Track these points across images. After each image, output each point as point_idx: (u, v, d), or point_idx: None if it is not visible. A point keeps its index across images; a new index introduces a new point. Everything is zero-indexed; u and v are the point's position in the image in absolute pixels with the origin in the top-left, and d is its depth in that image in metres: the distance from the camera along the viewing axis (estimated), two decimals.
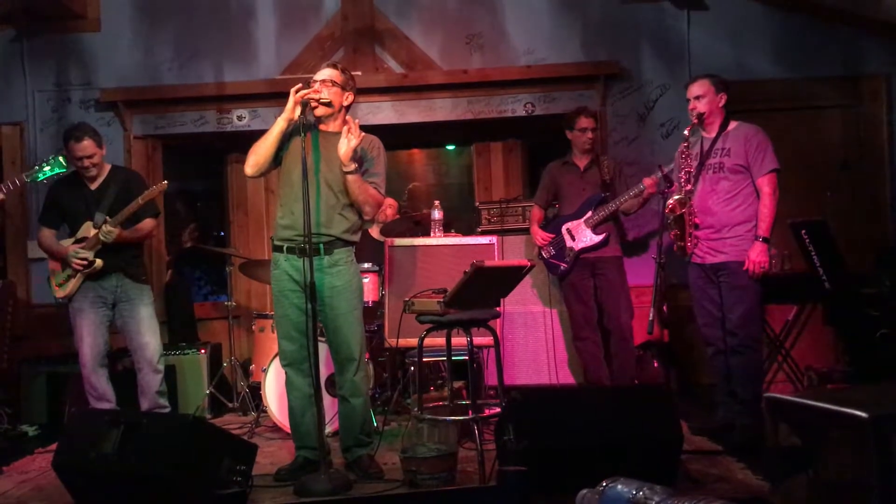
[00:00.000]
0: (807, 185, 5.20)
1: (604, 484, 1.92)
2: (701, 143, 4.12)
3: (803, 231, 4.30)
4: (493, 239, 4.60)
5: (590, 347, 4.74)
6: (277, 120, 3.54)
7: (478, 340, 3.82)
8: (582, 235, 4.70)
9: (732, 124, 4.06)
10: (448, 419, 3.64)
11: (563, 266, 4.75)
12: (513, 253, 5.10)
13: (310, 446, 3.58)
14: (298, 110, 3.47)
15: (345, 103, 3.65)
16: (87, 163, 4.19)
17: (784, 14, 5.38)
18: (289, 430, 3.84)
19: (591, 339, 4.75)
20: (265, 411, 4.52)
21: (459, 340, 3.69)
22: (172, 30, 5.65)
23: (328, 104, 3.56)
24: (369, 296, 4.65)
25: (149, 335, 4.27)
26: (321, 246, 3.52)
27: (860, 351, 4.39)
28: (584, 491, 1.95)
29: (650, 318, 3.90)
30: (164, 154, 5.89)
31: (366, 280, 4.55)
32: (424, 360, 4.12)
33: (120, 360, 4.87)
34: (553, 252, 4.80)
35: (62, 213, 4.31)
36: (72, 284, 4.19)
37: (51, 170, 4.15)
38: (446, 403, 4.00)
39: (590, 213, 4.70)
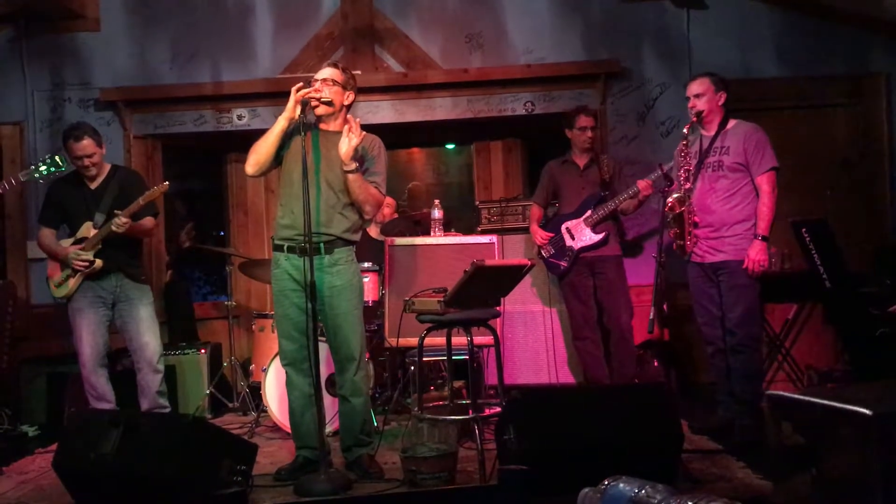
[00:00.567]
0: (807, 183, 5.20)
1: (605, 483, 1.91)
2: (700, 142, 4.11)
3: (804, 230, 4.30)
4: (493, 238, 4.59)
5: (589, 347, 4.74)
6: (278, 119, 3.53)
7: (478, 340, 3.81)
8: (581, 234, 4.70)
9: (731, 122, 4.06)
10: (448, 419, 3.63)
11: (563, 265, 4.75)
12: (513, 252, 5.09)
13: (310, 446, 3.57)
14: (299, 109, 3.47)
15: (345, 102, 3.64)
16: (86, 162, 4.19)
17: (785, 12, 5.39)
18: (289, 430, 3.84)
19: (591, 339, 4.74)
20: (265, 411, 4.52)
21: (459, 340, 3.68)
22: (171, 29, 5.65)
23: (329, 103, 3.55)
24: (369, 295, 4.65)
25: (148, 335, 4.27)
26: (321, 245, 3.52)
27: (860, 350, 4.39)
28: (586, 490, 1.94)
29: (650, 318, 3.89)
30: (163, 154, 5.89)
31: (366, 279, 4.54)
32: (424, 359, 4.12)
33: (120, 361, 4.87)
34: (552, 251, 4.80)
35: (62, 213, 4.30)
36: (71, 284, 4.18)
37: (47, 169, 4.14)
38: (446, 403, 3.99)
39: (589, 213, 4.69)
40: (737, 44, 5.39)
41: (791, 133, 5.16)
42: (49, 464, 3.39)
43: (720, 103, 4.05)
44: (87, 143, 4.17)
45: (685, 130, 4.09)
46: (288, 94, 3.48)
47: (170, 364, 4.96)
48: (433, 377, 4.99)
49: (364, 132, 3.52)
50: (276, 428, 4.51)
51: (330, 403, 3.90)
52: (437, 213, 4.74)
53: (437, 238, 4.64)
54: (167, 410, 4.37)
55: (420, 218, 5.11)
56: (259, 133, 3.66)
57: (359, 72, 5.16)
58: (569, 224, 4.75)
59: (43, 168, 4.14)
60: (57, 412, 4.96)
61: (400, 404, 4.77)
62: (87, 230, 4.19)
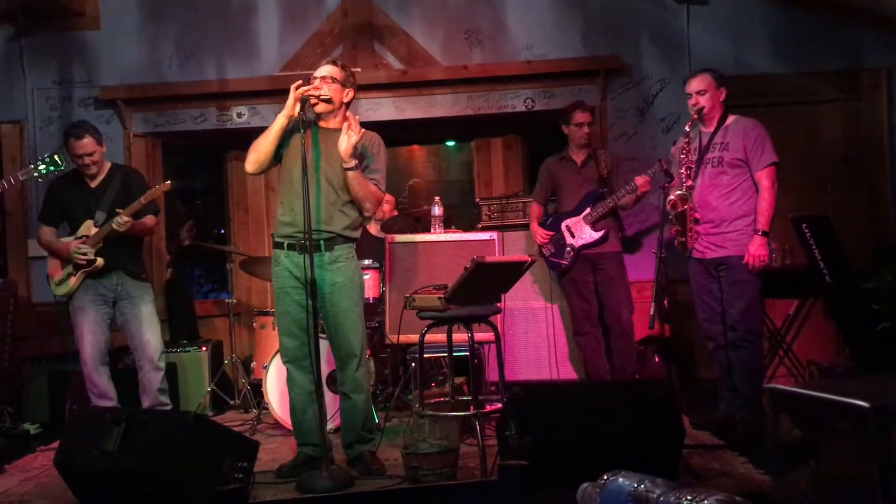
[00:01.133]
0: (808, 179, 5.20)
1: (605, 477, 1.92)
2: (700, 138, 4.11)
3: (804, 225, 4.29)
4: (494, 235, 4.59)
5: (590, 342, 4.75)
6: (277, 117, 3.53)
7: (479, 336, 3.81)
8: (581, 232, 4.70)
9: (731, 118, 4.06)
10: (449, 415, 3.64)
11: (564, 263, 4.75)
12: (513, 248, 5.10)
13: (311, 443, 3.58)
14: (298, 107, 3.47)
15: (345, 100, 3.64)
16: (87, 160, 4.19)
17: (783, 8, 5.37)
18: (290, 427, 3.85)
19: (592, 335, 4.75)
20: (266, 408, 4.53)
21: (460, 336, 3.69)
22: (172, 27, 5.65)
23: (328, 101, 3.55)
24: (370, 292, 4.65)
25: (150, 333, 4.27)
26: (322, 242, 3.52)
27: (861, 345, 4.38)
28: (586, 484, 1.95)
29: (651, 313, 3.89)
30: (164, 152, 5.89)
31: (366, 277, 4.54)
32: (425, 356, 4.12)
33: (121, 358, 4.88)
34: (553, 250, 4.80)
35: (62, 211, 4.31)
36: (72, 282, 4.19)
37: (46, 168, 4.14)
38: (447, 399, 4.00)
39: (588, 210, 4.70)
40: (736, 40, 5.38)
41: (791, 129, 5.15)
42: (51, 461, 3.39)
43: (721, 99, 4.05)
44: (87, 142, 4.17)
45: (687, 128, 4.09)
46: (288, 91, 3.48)
47: (171, 362, 4.96)
48: (434, 374, 4.99)
49: (363, 129, 3.52)
50: (277, 425, 4.52)
51: (331, 400, 3.90)
52: (437, 210, 4.74)
53: (437, 235, 4.64)
54: (169, 408, 4.37)
55: (420, 215, 5.11)
56: (259, 131, 3.66)
57: (359, 69, 5.17)
58: (568, 222, 4.75)
59: (42, 167, 4.14)
60: (59, 410, 4.96)
61: (401, 401, 4.77)
62: (88, 228, 4.19)
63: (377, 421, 4.11)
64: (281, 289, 3.60)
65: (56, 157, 4.17)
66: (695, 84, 4.05)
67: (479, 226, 5.27)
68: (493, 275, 3.56)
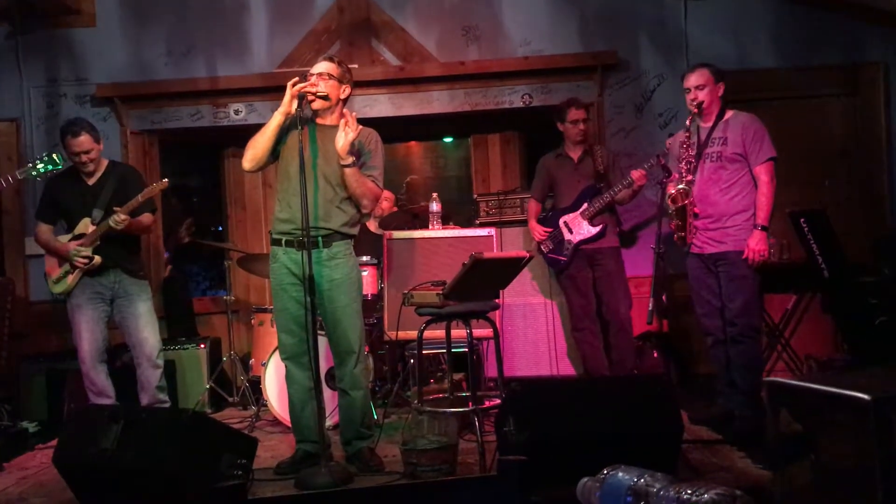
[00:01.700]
0: (806, 174, 5.20)
1: (604, 472, 1.92)
2: (698, 133, 4.11)
3: (802, 220, 4.30)
4: (492, 231, 4.59)
5: (588, 338, 4.75)
6: (274, 114, 3.53)
7: (477, 332, 3.81)
8: (579, 228, 4.70)
9: (729, 113, 4.06)
10: (448, 411, 3.64)
11: (563, 260, 4.75)
12: (511, 244, 5.10)
13: (310, 439, 3.58)
14: (295, 104, 3.46)
15: (342, 96, 3.64)
16: (84, 158, 4.18)
17: (780, 3, 5.38)
18: (289, 424, 3.84)
19: (590, 330, 4.75)
20: (265, 405, 4.52)
21: (459, 332, 3.69)
22: (167, 24, 5.63)
23: (325, 97, 3.54)
24: (368, 289, 4.65)
25: (147, 331, 4.27)
26: (320, 239, 3.52)
27: (859, 339, 4.39)
28: (585, 479, 1.95)
29: (649, 309, 3.90)
30: (160, 149, 5.88)
31: (364, 273, 4.54)
32: (424, 352, 4.12)
33: (119, 356, 4.87)
34: (551, 246, 4.80)
35: (59, 209, 4.30)
36: (70, 281, 4.18)
37: (44, 167, 4.14)
38: (446, 395, 4.00)
39: (585, 205, 4.70)
40: (733, 35, 5.38)
41: (788, 124, 5.14)
42: (49, 460, 3.39)
43: (719, 94, 4.05)
44: (84, 140, 4.16)
45: (688, 122, 4.08)
46: (285, 88, 3.47)
47: (169, 359, 4.96)
48: (433, 370, 5.00)
49: (360, 126, 3.51)
50: (276, 422, 4.52)
51: (330, 397, 3.90)
52: (435, 207, 4.74)
53: (435, 231, 4.64)
54: (167, 405, 4.37)
55: (418, 211, 5.11)
56: (256, 128, 3.65)
57: (355, 65, 5.16)
58: (566, 218, 4.75)
59: (40, 165, 4.14)
60: (57, 408, 4.96)
61: (400, 397, 4.77)
62: (85, 226, 4.19)
63: (376, 417, 4.11)
64: (279, 285, 3.60)
65: (54, 155, 4.16)
66: (693, 79, 4.05)
67: (477, 222, 5.28)
68: (491, 271, 3.56)
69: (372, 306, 4.78)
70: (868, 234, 5.15)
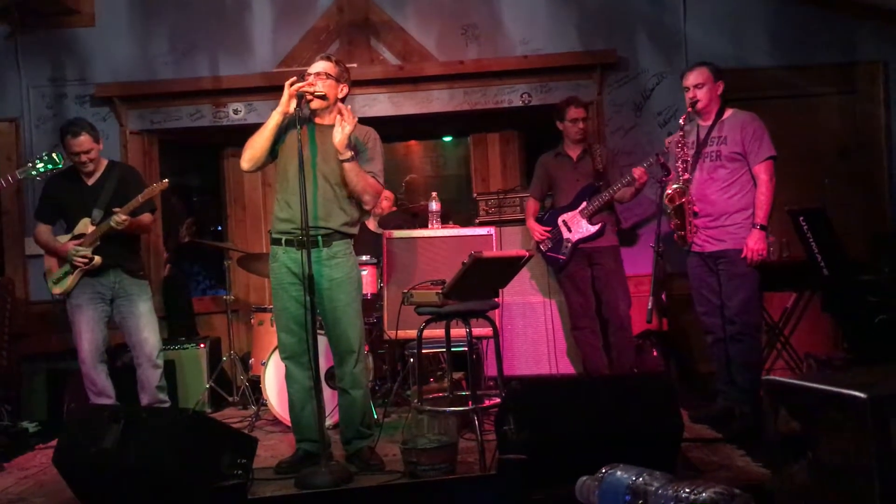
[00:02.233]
0: (805, 172, 5.20)
1: (603, 470, 1.92)
2: (697, 132, 4.11)
3: (802, 218, 4.30)
4: (491, 230, 4.60)
5: (587, 337, 4.75)
6: (273, 114, 3.53)
7: (477, 331, 3.82)
8: (578, 226, 4.70)
9: (728, 112, 4.06)
10: (448, 410, 3.64)
11: (562, 258, 4.76)
12: (511, 243, 5.10)
13: (310, 439, 3.58)
14: (294, 104, 3.46)
15: (340, 95, 3.64)
16: (84, 158, 4.18)
17: (780, 1, 5.37)
18: (289, 423, 3.85)
19: (589, 329, 4.76)
20: (265, 405, 4.53)
21: (458, 331, 3.69)
22: (167, 24, 5.63)
23: (323, 97, 3.54)
24: (368, 288, 4.65)
25: (148, 330, 4.27)
26: (319, 238, 3.52)
27: (859, 337, 4.39)
28: (584, 478, 1.95)
29: (649, 307, 3.90)
30: (160, 149, 5.88)
31: (364, 272, 4.54)
32: (424, 351, 4.13)
33: (119, 356, 4.87)
34: (551, 245, 4.80)
35: (59, 209, 4.30)
36: (69, 281, 4.18)
37: (44, 166, 4.13)
38: (446, 394, 4.01)
39: (584, 204, 4.70)
40: (732, 33, 5.38)
41: (787, 122, 5.14)
42: (50, 459, 3.39)
43: (719, 93, 4.05)
44: (84, 139, 4.16)
45: (682, 121, 4.09)
46: (283, 87, 3.47)
47: (169, 359, 4.97)
48: (433, 369, 5.01)
49: (358, 123, 3.51)
50: (276, 421, 4.52)
51: (330, 396, 3.90)
52: (434, 206, 4.75)
53: (434, 230, 4.64)
54: (167, 405, 4.37)
55: (418, 210, 5.12)
56: (255, 127, 3.65)
57: (355, 65, 5.17)
58: (565, 217, 4.76)
59: (40, 165, 4.13)
60: (57, 408, 4.97)
61: (400, 396, 4.78)
62: (85, 226, 4.19)
63: (376, 416, 4.11)
64: (279, 285, 3.60)
65: (54, 155, 4.16)
66: (692, 77, 4.05)
67: (477, 221, 5.28)
68: (490, 270, 3.57)
69: (371, 305, 4.78)
70: (867, 232, 5.15)
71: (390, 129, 5.30)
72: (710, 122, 4.07)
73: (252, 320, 5.10)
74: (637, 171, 4.46)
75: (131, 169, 4.66)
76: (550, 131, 4.99)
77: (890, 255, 4.62)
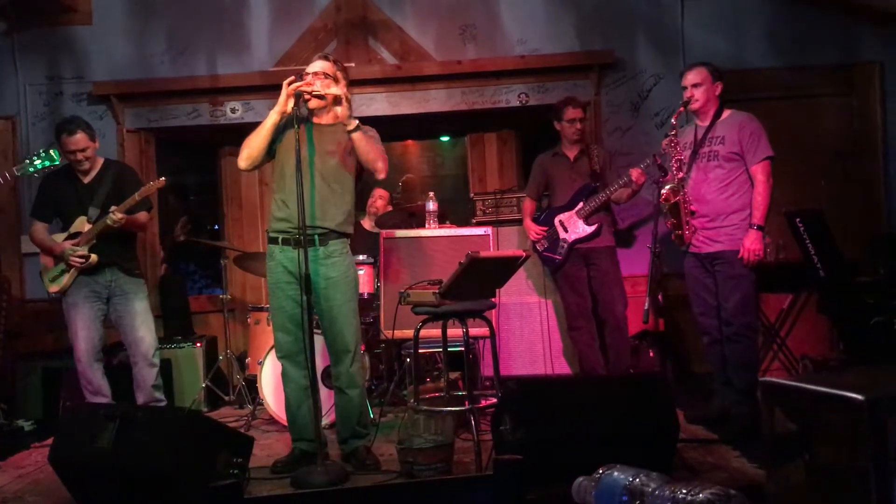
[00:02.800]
0: (802, 173, 5.21)
1: (600, 471, 1.92)
2: (695, 132, 4.11)
3: (798, 220, 4.30)
4: (488, 230, 4.60)
5: (584, 337, 4.76)
6: (270, 113, 3.53)
7: (473, 331, 3.82)
8: (574, 227, 4.70)
9: (726, 112, 4.06)
10: (444, 410, 3.64)
11: (558, 258, 4.75)
12: (508, 243, 5.10)
13: (306, 438, 3.58)
14: (291, 103, 3.46)
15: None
16: (80, 156, 4.17)
17: (778, 2, 5.39)
18: (285, 423, 3.85)
19: (586, 329, 4.76)
20: (261, 404, 4.52)
21: (455, 331, 3.69)
22: (165, 22, 5.63)
23: (320, 97, 3.54)
24: (364, 287, 4.65)
25: (144, 329, 4.26)
26: (316, 237, 3.52)
27: (855, 339, 4.39)
28: (581, 478, 1.95)
29: (646, 308, 3.91)
30: (157, 147, 5.87)
31: (361, 272, 4.54)
32: (420, 351, 4.12)
33: (115, 355, 4.87)
34: (547, 245, 4.80)
35: (55, 207, 4.29)
36: (65, 279, 4.17)
37: (42, 163, 4.12)
38: (442, 394, 4.01)
39: (581, 204, 4.70)
40: (730, 34, 5.39)
41: (784, 123, 5.14)
42: (45, 458, 3.39)
43: (717, 93, 4.06)
44: (80, 138, 4.15)
45: (673, 120, 4.10)
46: (281, 86, 3.47)
47: (165, 358, 4.96)
48: (429, 369, 5.00)
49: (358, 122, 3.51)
50: (272, 421, 4.52)
51: (326, 396, 3.90)
52: (431, 206, 4.74)
53: (431, 230, 4.64)
54: (163, 404, 4.37)
55: (415, 210, 5.11)
56: (253, 126, 3.65)
57: (353, 64, 5.17)
58: (562, 217, 4.76)
59: (38, 162, 4.12)
60: (53, 407, 4.96)
61: (396, 396, 4.78)
62: (81, 224, 4.18)
63: (372, 416, 4.11)
64: (275, 284, 3.60)
65: (51, 151, 4.14)
66: (690, 77, 4.06)
67: (474, 221, 5.28)
68: (487, 270, 3.56)
69: (368, 305, 4.78)
70: (864, 233, 5.16)
71: (387, 128, 5.26)
72: (707, 123, 4.07)
73: (248, 319, 5.10)
74: (634, 173, 4.46)
75: (127, 167, 4.65)
76: (548, 131, 4.99)
77: (886, 256, 4.63)
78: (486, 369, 4.80)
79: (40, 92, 5.61)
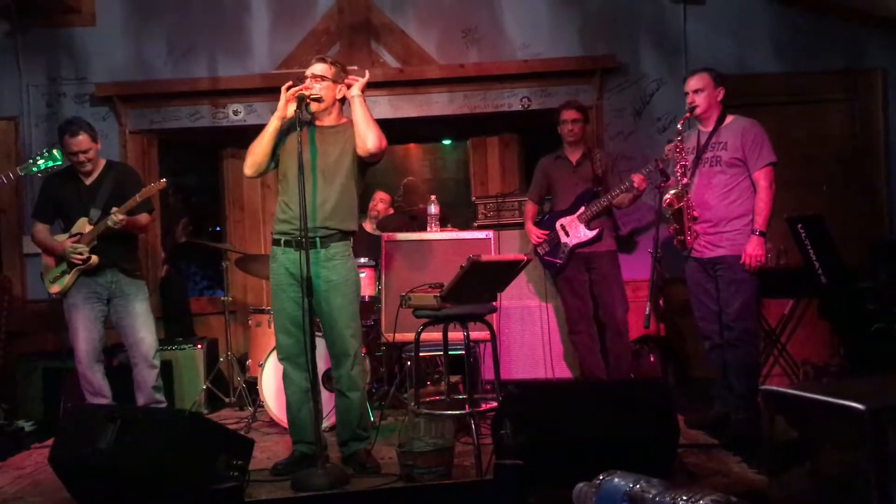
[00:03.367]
0: (804, 179, 5.20)
1: (601, 477, 1.92)
2: (698, 137, 4.12)
3: (799, 225, 4.30)
4: (490, 233, 4.60)
5: (584, 341, 4.75)
6: (271, 119, 3.55)
7: (474, 335, 3.81)
8: (576, 231, 4.70)
9: (729, 118, 4.07)
10: (445, 414, 3.63)
11: (559, 262, 4.75)
12: (509, 247, 5.10)
13: (307, 441, 3.58)
14: (292, 107, 3.47)
15: (337, 97, 3.64)
16: (82, 158, 4.18)
17: (781, 8, 5.38)
18: (286, 425, 3.85)
19: (586, 333, 4.75)
20: (262, 406, 4.52)
21: (456, 335, 3.68)
22: (167, 24, 5.63)
23: (318, 100, 3.55)
24: (366, 290, 4.65)
25: (144, 330, 4.26)
26: (318, 240, 3.53)
27: (856, 345, 4.39)
28: (581, 484, 1.95)
29: (647, 313, 3.90)
30: (159, 149, 5.87)
31: (362, 275, 4.53)
32: (421, 354, 4.12)
33: (115, 356, 4.87)
34: (548, 249, 4.80)
35: (57, 208, 4.29)
36: (66, 280, 4.17)
37: (45, 163, 4.12)
38: (443, 398, 4.00)
39: (583, 209, 4.70)
40: (733, 39, 5.39)
41: (787, 129, 5.14)
42: (45, 459, 3.39)
43: (719, 99, 4.06)
44: (82, 139, 4.15)
45: (679, 126, 4.09)
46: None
47: (166, 359, 4.95)
48: (430, 372, 5.00)
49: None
50: (272, 423, 4.52)
51: (327, 398, 3.90)
52: (433, 209, 4.74)
53: (433, 233, 4.64)
54: (163, 405, 4.37)
55: (416, 213, 5.11)
56: (255, 128, 3.67)
57: (355, 67, 5.16)
58: (563, 221, 4.76)
59: (41, 162, 4.12)
60: (53, 407, 4.95)
61: (397, 399, 4.77)
62: (83, 225, 4.18)
63: (372, 419, 4.11)
64: (277, 286, 3.61)
65: (54, 151, 4.14)
66: (693, 83, 4.06)
67: (475, 224, 5.28)
68: (488, 273, 3.56)
69: (369, 308, 4.78)
70: (865, 239, 5.15)
71: (389, 131, 5.26)
72: (710, 128, 4.07)
73: (249, 321, 5.10)
74: (636, 178, 4.46)
75: (129, 169, 4.65)
76: (550, 135, 4.99)
77: (887, 262, 4.62)
78: (487, 373, 4.79)
79: (43, 93, 5.61)
